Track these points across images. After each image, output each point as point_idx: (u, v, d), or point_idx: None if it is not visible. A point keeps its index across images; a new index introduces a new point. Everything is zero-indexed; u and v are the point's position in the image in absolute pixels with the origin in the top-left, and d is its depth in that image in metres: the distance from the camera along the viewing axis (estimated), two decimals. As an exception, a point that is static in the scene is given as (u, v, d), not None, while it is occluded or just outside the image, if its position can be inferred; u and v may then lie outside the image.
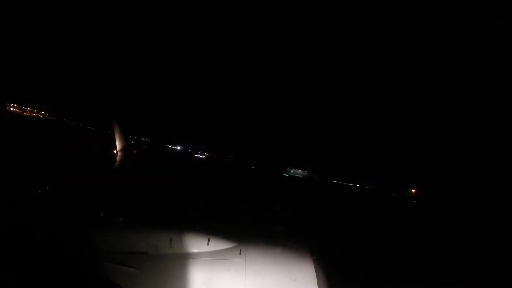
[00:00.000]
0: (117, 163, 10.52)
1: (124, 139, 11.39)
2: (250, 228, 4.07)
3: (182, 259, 3.41)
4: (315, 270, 3.24)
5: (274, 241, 3.69)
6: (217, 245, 3.50)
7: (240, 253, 3.39)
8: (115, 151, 11.28)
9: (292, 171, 50.69)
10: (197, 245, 3.50)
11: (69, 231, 4.00)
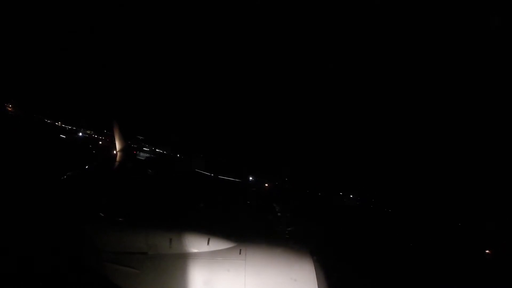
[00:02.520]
0: (117, 163, 10.52)
1: (124, 140, 11.39)
2: (250, 228, 4.08)
3: (182, 259, 3.41)
4: (315, 270, 3.23)
5: (274, 241, 3.69)
6: (217, 245, 3.50)
7: (240, 253, 3.39)
8: (115, 151, 11.27)
9: (141, 154, 48.25)
10: (196, 245, 3.49)
11: (69, 231, 3.99)
